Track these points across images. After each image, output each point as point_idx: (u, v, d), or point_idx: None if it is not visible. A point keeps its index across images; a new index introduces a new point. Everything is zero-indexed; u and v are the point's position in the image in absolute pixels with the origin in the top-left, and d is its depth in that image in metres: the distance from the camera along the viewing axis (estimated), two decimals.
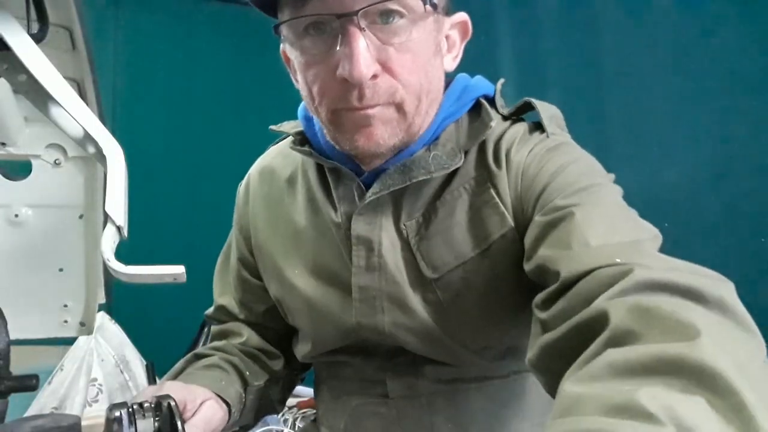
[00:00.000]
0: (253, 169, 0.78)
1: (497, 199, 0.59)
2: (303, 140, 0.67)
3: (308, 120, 0.67)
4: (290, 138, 0.70)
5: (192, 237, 3.10)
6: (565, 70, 1.70)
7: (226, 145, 3.24)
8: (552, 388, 0.43)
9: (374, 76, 0.53)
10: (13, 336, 0.71)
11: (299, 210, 0.69)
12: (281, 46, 0.63)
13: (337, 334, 0.66)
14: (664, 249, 0.48)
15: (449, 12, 0.61)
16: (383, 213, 0.62)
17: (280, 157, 0.75)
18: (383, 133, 0.56)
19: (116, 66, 3.03)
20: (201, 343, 2.23)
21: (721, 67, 1.22)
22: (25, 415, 0.74)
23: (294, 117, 0.73)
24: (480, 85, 0.66)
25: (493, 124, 0.60)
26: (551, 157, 0.57)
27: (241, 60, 3.36)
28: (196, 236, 3.10)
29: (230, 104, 3.29)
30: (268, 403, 0.78)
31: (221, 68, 3.30)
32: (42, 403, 1.91)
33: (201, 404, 0.64)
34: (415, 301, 0.61)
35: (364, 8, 0.50)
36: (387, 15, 0.52)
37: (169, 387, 0.63)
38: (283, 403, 0.82)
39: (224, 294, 0.83)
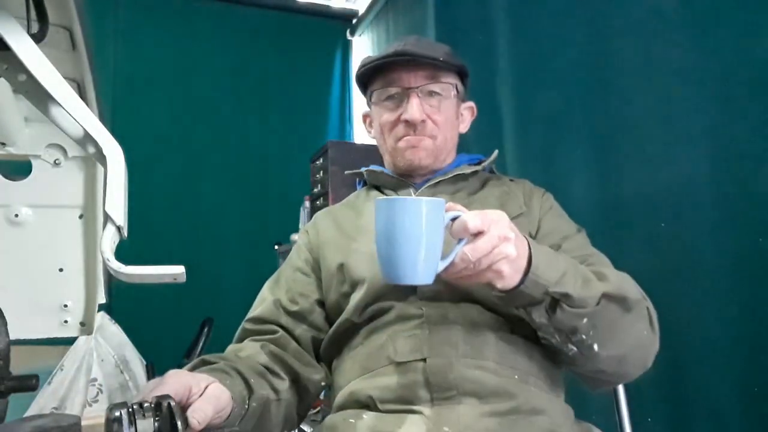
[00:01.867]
0: (320, 213, 1.06)
1: (516, 198, 0.95)
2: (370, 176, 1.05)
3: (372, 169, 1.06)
4: (345, 199, 1.08)
5: (192, 237, 3.11)
6: (564, 71, 1.70)
7: (225, 145, 3.26)
8: None
9: (423, 121, 0.94)
10: (13, 336, 0.71)
11: (361, 214, 0.98)
12: (363, 112, 1.07)
13: None
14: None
15: (465, 99, 1.04)
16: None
17: (338, 205, 1.08)
18: (422, 153, 0.96)
19: (116, 66, 3.04)
20: (201, 344, 2.24)
21: (721, 67, 1.22)
22: (25, 415, 0.74)
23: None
24: (478, 154, 1.06)
25: (493, 156, 1.02)
26: (554, 202, 0.98)
27: (241, 60, 3.37)
28: (196, 236, 3.11)
29: (230, 104, 3.30)
30: (269, 419, 0.79)
31: (221, 68, 3.31)
32: (42, 403, 1.91)
33: (206, 387, 0.64)
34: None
35: (420, 86, 0.94)
36: (431, 92, 0.95)
37: (172, 375, 0.63)
38: (280, 429, 0.83)
39: (276, 294, 0.96)
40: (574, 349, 0.74)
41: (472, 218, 0.64)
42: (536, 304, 0.71)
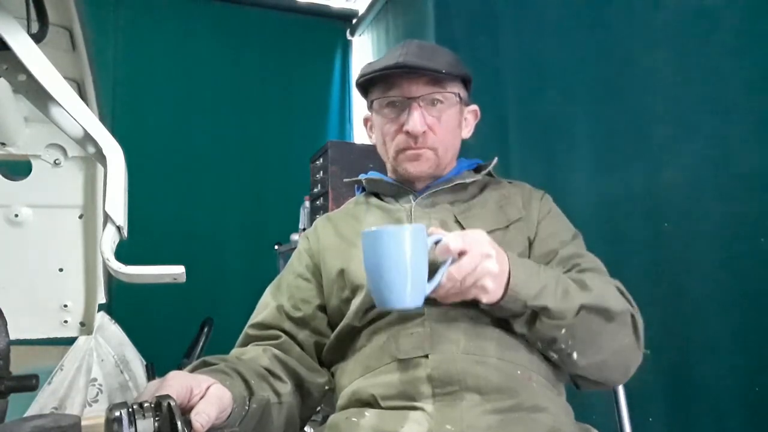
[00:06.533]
0: (319, 219, 1.06)
1: (515, 202, 0.96)
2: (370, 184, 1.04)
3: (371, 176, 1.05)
4: (344, 205, 1.07)
5: (192, 237, 3.11)
6: (565, 70, 1.70)
7: (225, 144, 3.26)
8: None
9: (424, 132, 0.92)
10: (13, 336, 0.71)
11: (362, 220, 0.98)
12: (364, 116, 1.04)
13: None
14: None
15: (468, 103, 1.01)
16: (432, 207, 0.95)
17: (338, 212, 1.07)
18: (424, 166, 0.95)
19: (116, 66, 3.04)
20: (201, 344, 2.23)
21: (721, 67, 1.22)
22: (25, 415, 0.74)
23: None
24: (477, 159, 1.05)
25: (493, 162, 1.01)
26: (553, 205, 0.98)
27: (241, 60, 3.37)
28: (196, 236, 3.11)
29: (230, 104, 3.30)
30: (270, 422, 0.79)
31: (221, 68, 3.31)
32: (42, 403, 1.91)
33: (207, 388, 0.64)
34: None
35: (422, 95, 0.91)
36: (434, 101, 0.92)
37: (173, 376, 0.63)
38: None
39: (278, 300, 0.95)
40: (555, 356, 0.79)
41: (453, 239, 0.71)
42: (518, 316, 0.77)
